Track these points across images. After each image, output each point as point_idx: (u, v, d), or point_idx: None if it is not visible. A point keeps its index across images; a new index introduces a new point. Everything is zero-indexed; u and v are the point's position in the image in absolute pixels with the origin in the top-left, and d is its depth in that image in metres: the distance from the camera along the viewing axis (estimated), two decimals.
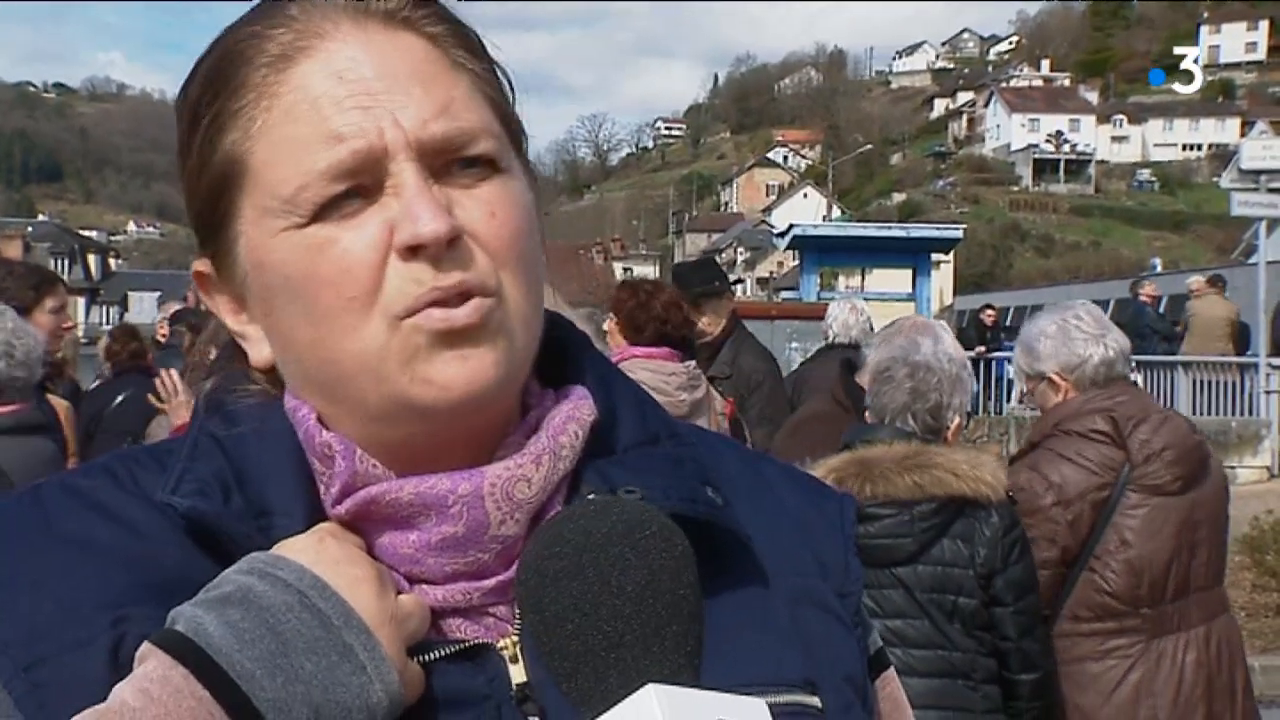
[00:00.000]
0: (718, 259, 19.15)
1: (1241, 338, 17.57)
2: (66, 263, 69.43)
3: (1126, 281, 23.09)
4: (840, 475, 3.10)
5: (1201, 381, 17.12)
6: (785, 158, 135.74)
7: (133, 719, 0.76)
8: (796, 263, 26.95)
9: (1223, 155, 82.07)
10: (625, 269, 72.13)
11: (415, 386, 0.85)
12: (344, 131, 0.85)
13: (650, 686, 0.72)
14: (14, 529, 0.88)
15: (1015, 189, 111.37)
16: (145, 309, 53.23)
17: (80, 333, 14.15)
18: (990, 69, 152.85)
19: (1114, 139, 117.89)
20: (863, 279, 18.25)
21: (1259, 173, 15.92)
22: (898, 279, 16.66)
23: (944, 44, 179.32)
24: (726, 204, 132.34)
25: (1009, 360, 18.29)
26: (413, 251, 0.84)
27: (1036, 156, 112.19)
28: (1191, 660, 3.53)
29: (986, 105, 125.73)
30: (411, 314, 0.84)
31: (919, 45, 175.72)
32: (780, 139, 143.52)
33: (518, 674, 0.87)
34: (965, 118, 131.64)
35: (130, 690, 0.77)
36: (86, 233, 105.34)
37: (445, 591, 0.89)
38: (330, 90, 0.86)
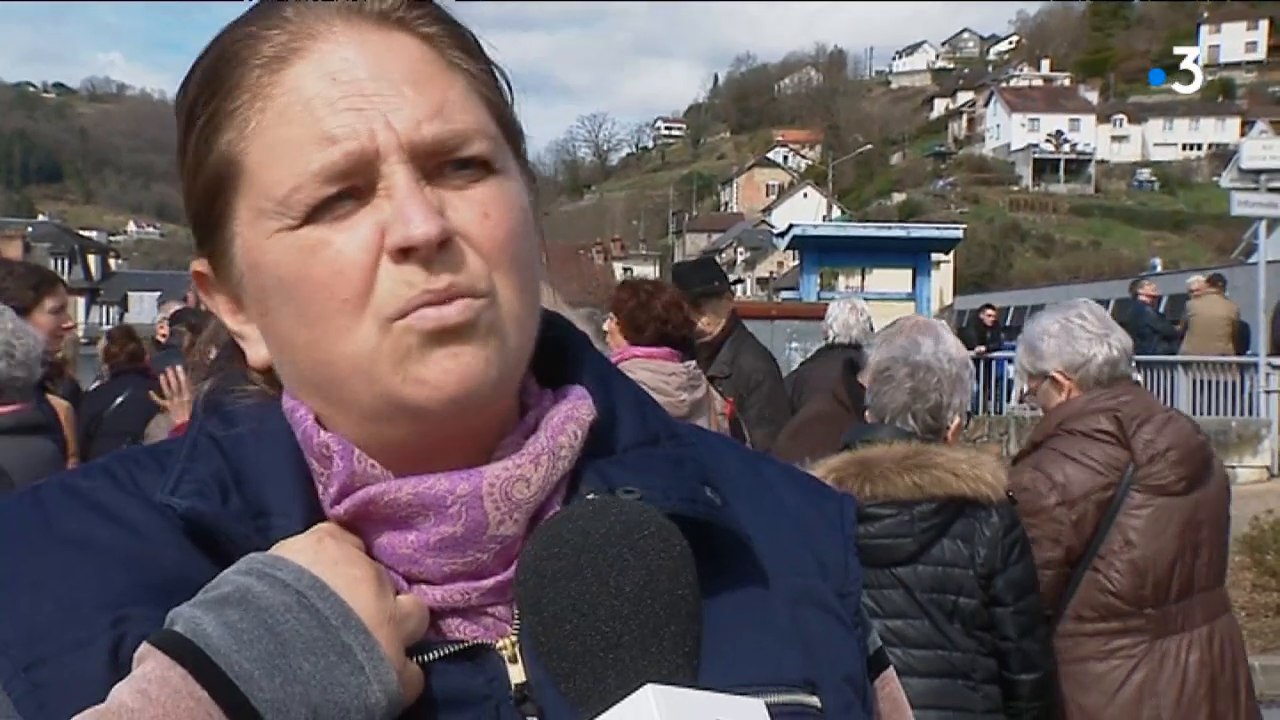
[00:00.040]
0: (718, 259, 19.14)
1: (1241, 337, 17.57)
2: (66, 263, 69.45)
3: (1126, 281, 23.08)
4: (840, 475, 3.10)
5: (1201, 381, 17.12)
6: (785, 158, 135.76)
7: None
8: (796, 263, 26.95)
9: (1223, 155, 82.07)
10: (625, 269, 72.13)
11: (408, 386, 0.85)
12: (337, 133, 0.85)
13: (648, 687, 0.72)
14: (14, 529, 0.88)
15: (1015, 189, 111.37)
16: (145, 309, 53.27)
17: (80, 333, 14.15)
18: (990, 69, 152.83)
19: (1114, 139, 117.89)
20: (863, 279, 18.25)
21: (1259, 172, 15.92)
22: (898, 279, 16.66)
23: (944, 44, 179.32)
24: (726, 204, 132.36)
25: (1009, 360, 18.32)
26: (404, 254, 0.84)
27: (1036, 156, 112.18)
28: (1195, 660, 3.53)
29: (986, 105, 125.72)
30: (403, 316, 0.84)
31: (919, 45, 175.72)
32: (780, 139, 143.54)
33: (517, 674, 0.87)
34: (965, 118, 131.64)
35: (129, 691, 0.77)
36: (86, 233, 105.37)
37: (444, 592, 0.89)
38: (323, 91, 0.86)
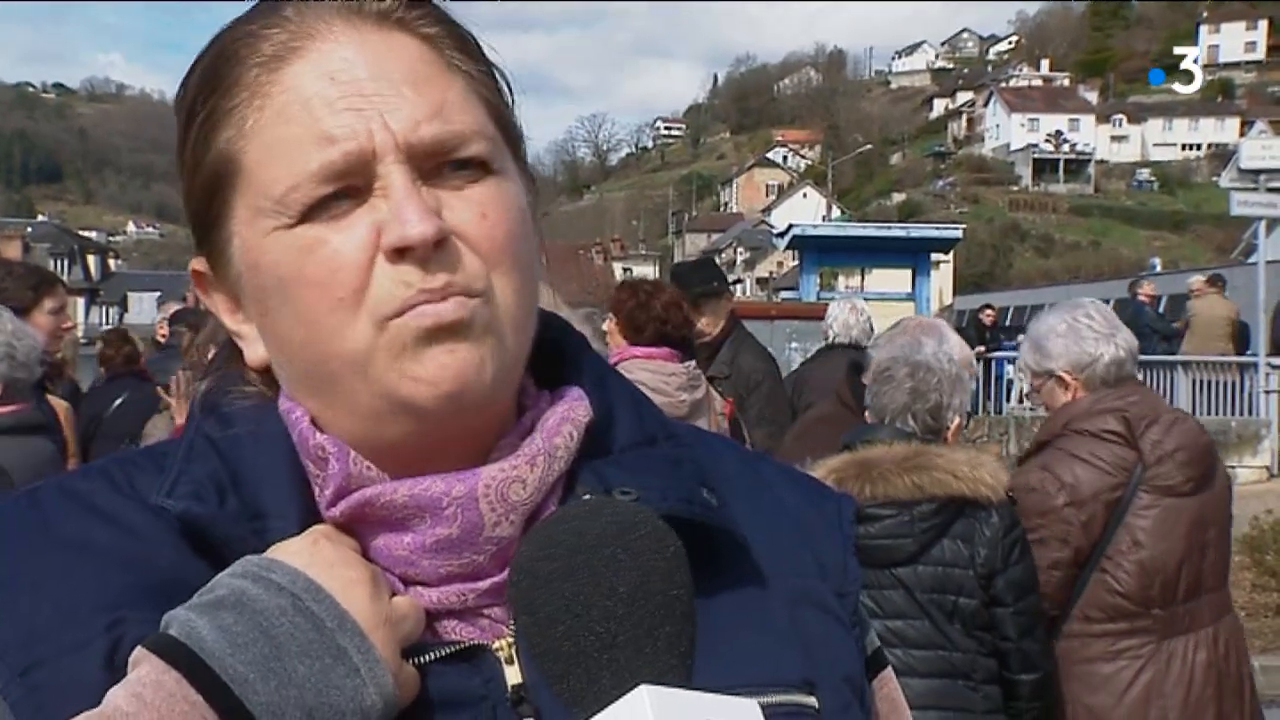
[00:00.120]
0: (717, 259, 19.17)
1: (1241, 337, 17.58)
2: (66, 263, 69.46)
3: (1126, 281, 23.08)
4: (840, 476, 3.10)
5: (1201, 381, 17.13)
6: (785, 158, 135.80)
7: None
8: (796, 263, 26.95)
9: (1222, 155, 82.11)
10: (625, 269, 72.11)
11: (404, 383, 0.85)
12: (335, 133, 0.85)
13: (643, 687, 0.72)
14: (13, 531, 0.88)
15: (1015, 189, 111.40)
16: (145, 309, 53.33)
17: (80, 333, 14.16)
18: (990, 69, 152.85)
19: (1113, 139, 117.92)
20: (862, 279, 18.24)
21: (1258, 172, 15.91)
22: (897, 279, 16.65)
23: (943, 44, 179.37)
24: (726, 204, 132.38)
25: (1009, 360, 18.36)
26: (400, 253, 0.84)
27: (1036, 156, 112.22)
28: (1202, 660, 3.52)
29: (986, 105, 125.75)
30: (399, 314, 0.84)
31: (918, 45, 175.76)
32: (780, 139, 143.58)
33: (513, 675, 0.87)
34: (965, 118, 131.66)
35: (123, 695, 0.77)
36: (86, 233, 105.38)
37: (440, 593, 0.89)
38: (322, 91, 0.86)
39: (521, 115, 0.96)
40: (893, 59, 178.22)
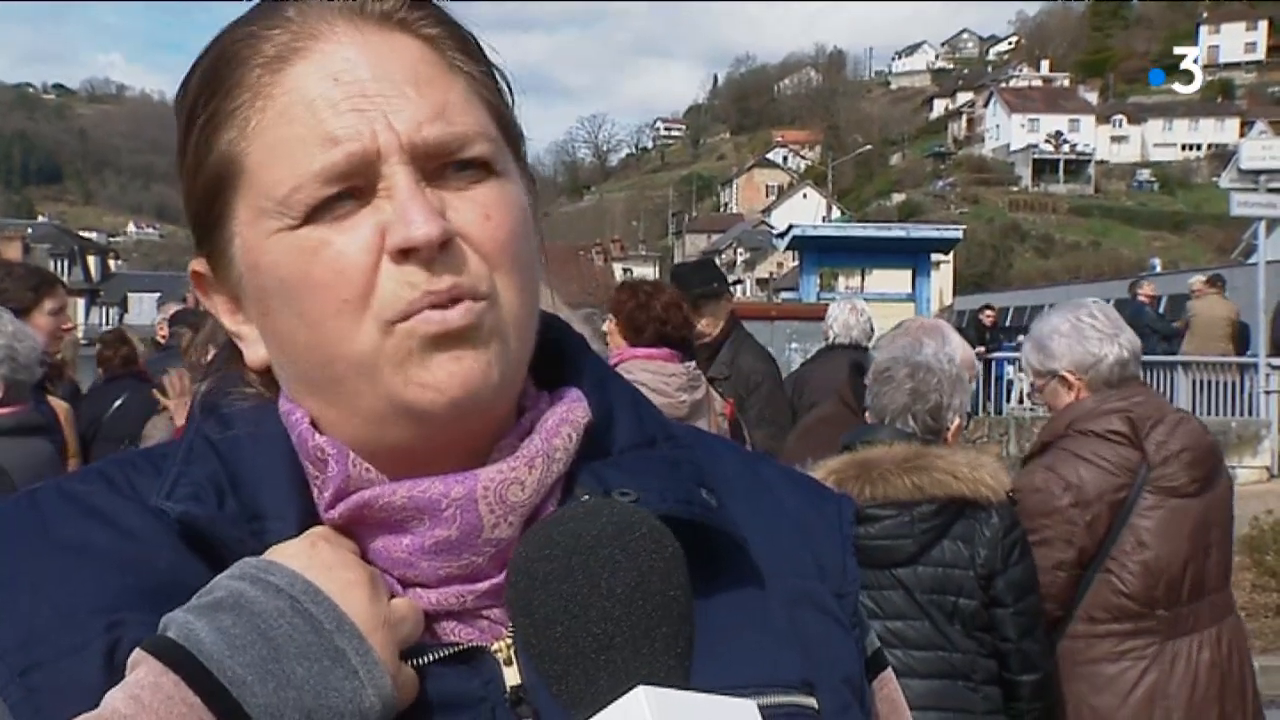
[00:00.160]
0: (717, 260, 19.16)
1: (1241, 338, 17.58)
2: (66, 264, 69.44)
3: (1126, 282, 23.09)
4: (840, 477, 3.10)
5: (1201, 381, 17.13)
6: (785, 158, 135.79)
7: None
8: (796, 263, 26.94)
9: (1222, 155, 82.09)
10: (625, 270, 72.08)
11: (410, 390, 0.85)
12: (339, 134, 0.85)
13: (640, 688, 0.72)
14: (12, 533, 0.88)
15: (1015, 189, 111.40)
16: (145, 310, 53.30)
17: (80, 334, 14.15)
18: (990, 69, 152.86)
19: (1113, 139, 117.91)
20: (862, 279, 18.25)
21: (1258, 173, 15.90)
22: (897, 279, 16.66)
23: (943, 44, 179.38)
24: (726, 205, 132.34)
25: (1009, 360, 18.37)
26: (405, 254, 0.84)
27: (1036, 157, 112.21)
28: (1206, 661, 3.52)
29: (986, 105, 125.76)
30: (405, 318, 0.84)
31: (918, 46, 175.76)
32: (780, 140, 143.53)
33: (512, 676, 0.87)
34: (965, 118, 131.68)
35: (122, 697, 0.77)
36: (86, 234, 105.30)
37: (439, 595, 0.89)
38: (325, 92, 0.85)
39: (522, 116, 0.96)
40: (893, 59, 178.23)
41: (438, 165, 0.86)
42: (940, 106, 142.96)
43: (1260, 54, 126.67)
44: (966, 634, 3.10)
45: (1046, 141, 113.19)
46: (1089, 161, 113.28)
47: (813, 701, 0.92)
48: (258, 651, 0.77)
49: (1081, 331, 3.65)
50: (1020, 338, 19.34)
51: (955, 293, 46.41)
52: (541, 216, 0.98)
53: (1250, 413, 16.45)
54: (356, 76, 0.86)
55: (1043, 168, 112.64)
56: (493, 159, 0.89)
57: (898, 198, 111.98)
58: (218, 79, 0.89)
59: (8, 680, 0.81)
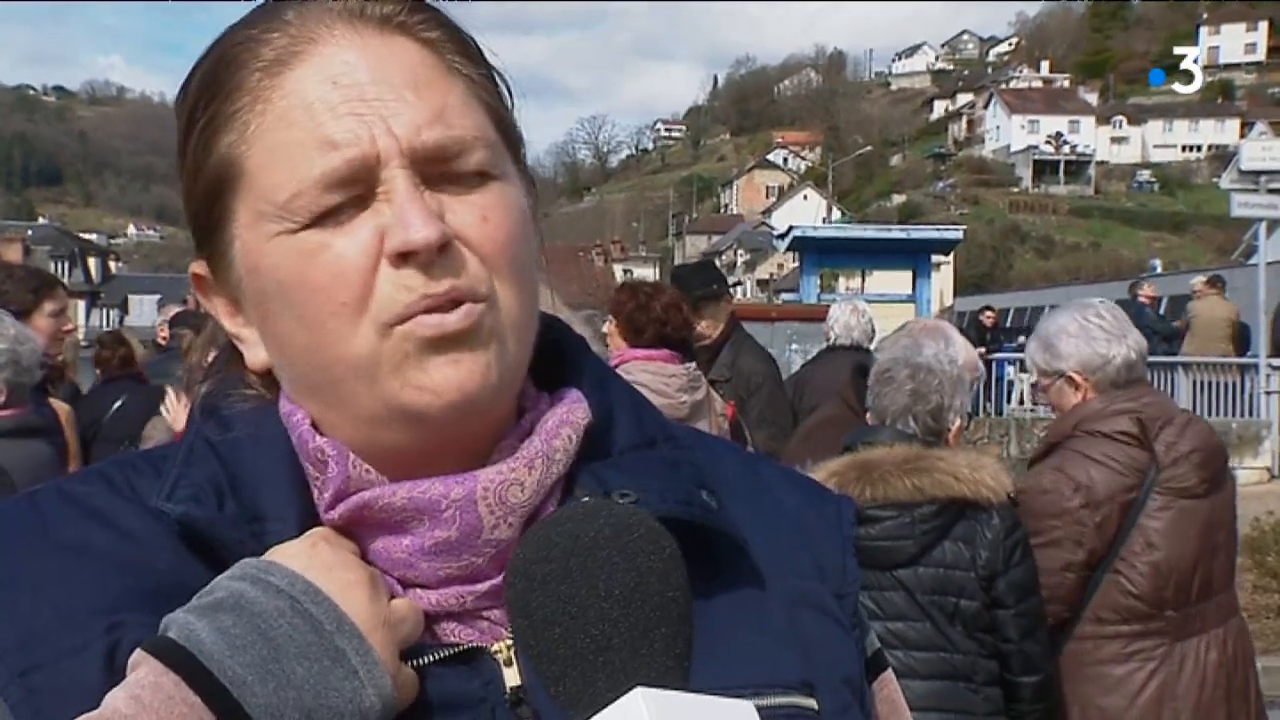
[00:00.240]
0: (718, 261, 19.16)
1: (1242, 339, 17.57)
2: (66, 266, 69.48)
3: (1126, 283, 23.07)
4: (841, 478, 3.10)
5: (1202, 382, 17.12)
6: (785, 159, 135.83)
7: None
8: (796, 264, 26.94)
9: (1222, 156, 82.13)
10: (625, 271, 72.06)
11: (408, 392, 0.85)
12: (338, 138, 0.85)
13: (638, 689, 0.72)
14: (12, 534, 0.88)
15: (1015, 190, 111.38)
16: (145, 312, 53.35)
17: (80, 336, 14.16)
18: (990, 70, 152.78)
19: (1113, 140, 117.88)
20: (863, 280, 18.25)
21: (1259, 173, 15.91)
22: (898, 280, 16.66)
23: (943, 45, 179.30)
24: (726, 206, 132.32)
25: (1009, 361, 18.38)
26: (404, 258, 0.84)
27: (1036, 158, 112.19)
28: (1214, 661, 3.51)
29: (986, 107, 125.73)
30: (403, 321, 0.84)
31: (918, 47, 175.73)
32: (780, 141, 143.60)
33: (512, 677, 0.88)
34: (965, 119, 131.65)
35: (122, 697, 0.77)
36: (86, 236, 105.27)
37: (439, 595, 0.89)
38: (325, 96, 0.86)
39: (522, 117, 0.96)
40: (893, 60, 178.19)
41: (436, 169, 0.86)
42: (940, 107, 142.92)
43: (1260, 55, 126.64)
44: (967, 635, 3.10)
45: (1047, 142, 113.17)
46: (1089, 162, 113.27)
47: (812, 702, 0.92)
48: (258, 651, 0.78)
49: (1089, 332, 3.63)
50: (1021, 339, 19.37)
51: (955, 294, 46.40)
52: (541, 218, 0.98)
53: (1251, 413, 16.44)
54: (355, 80, 0.86)
55: (1043, 169, 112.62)
56: (491, 162, 0.89)
57: (898, 199, 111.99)
58: (217, 82, 0.89)
59: (8, 681, 0.82)
